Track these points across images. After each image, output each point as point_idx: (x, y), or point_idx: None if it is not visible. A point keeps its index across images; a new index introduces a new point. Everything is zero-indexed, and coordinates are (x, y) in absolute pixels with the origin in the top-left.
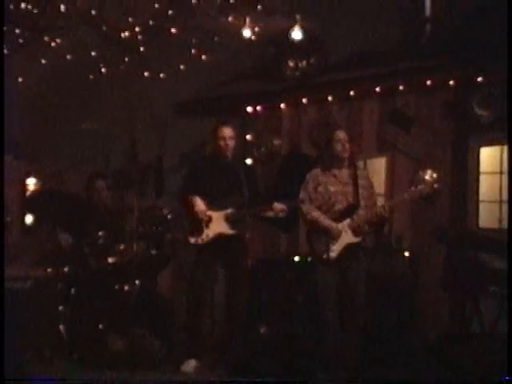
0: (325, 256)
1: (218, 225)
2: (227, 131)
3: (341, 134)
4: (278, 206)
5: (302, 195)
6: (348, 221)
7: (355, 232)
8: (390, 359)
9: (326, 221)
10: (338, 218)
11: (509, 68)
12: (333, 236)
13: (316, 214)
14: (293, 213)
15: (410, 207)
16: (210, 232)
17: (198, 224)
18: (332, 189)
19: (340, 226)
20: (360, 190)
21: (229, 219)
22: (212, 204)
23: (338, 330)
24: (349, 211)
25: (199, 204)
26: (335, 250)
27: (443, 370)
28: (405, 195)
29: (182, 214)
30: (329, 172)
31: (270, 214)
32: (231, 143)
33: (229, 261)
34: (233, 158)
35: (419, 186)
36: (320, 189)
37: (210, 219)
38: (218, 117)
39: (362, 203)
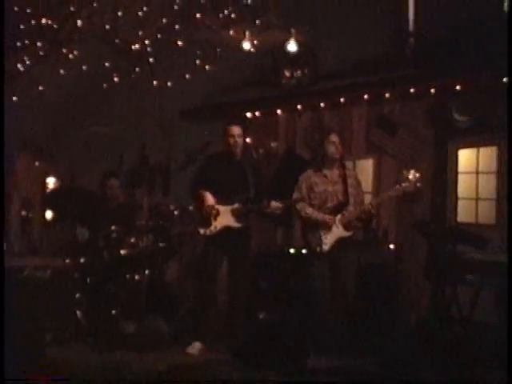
0: (318, 249)
1: (225, 218)
2: (236, 129)
3: (334, 137)
4: (274, 204)
5: (295, 195)
6: (339, 217)
7: (346, 227)
8: (376, 340)
9: (319, 215)
10: (330, 214)
11: (509, 69)
12: (327, 228)
13: (309, 210)
14: (287, 210)
15: (395, 204)
16: (218, 224)
17: (207, 217)
18: (323, 188)
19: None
20: (349, 189)
21: (235, 213)
22: (221, 199)
23: (330, 315)
24: (339, 208)
25: (209, 198)
26: (328, 243)
27: (424, 349)
28: (390, 192)
29: (187, 209)
30: (320, 172)
31: (268, 210)
32: (240, 140)
33: (233, 252)
34: (241, 156)
35: (403, 184)
36: (313, 188)
37: (218, 213)
38: (224, 120)
39: (351, 200)
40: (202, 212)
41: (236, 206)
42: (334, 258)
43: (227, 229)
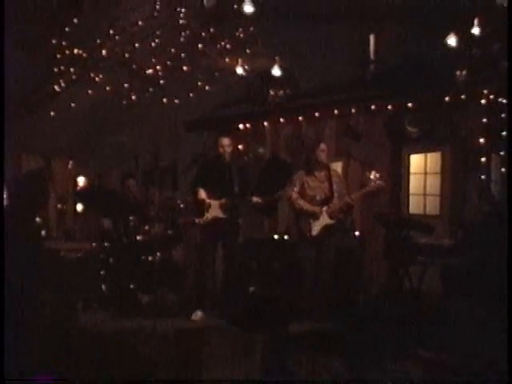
0: (308, 234)
1: (214, 210)
2: (226, 140)
3: (323, 146)
4: (255, 198)
5: (291, 190)
6: (325, 208)
7: (330, 216)
8: (345, 308)
9: (310, 207)
10: (318, 206)
11: (509, 70)
12: (315, 217)
13: (302, 202)
14: (273, 203)
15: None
16: (209, 215)
17: (201, 209)
18: (313, 185)
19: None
20: (334, 186)
21: (223, 206)
22: (212, 194)
23: (313, 288)
24: (326, 201)
25: (202, 194)
26: (316, 229)
27: (382, 313)
28: (367, 188)
29: (191, 203)
30: (311, 173)
31: (250, 204)
32: (228, 150)
33: (223, 237)
34: (230, 161)
35: (377, 182)
36: (305, 185)
37: (209, 206)
38: (219, 131)
39: (336, 195)
40: (198, 205)
41: (223, 200)
42: (320, 241)
43: (216, 219)
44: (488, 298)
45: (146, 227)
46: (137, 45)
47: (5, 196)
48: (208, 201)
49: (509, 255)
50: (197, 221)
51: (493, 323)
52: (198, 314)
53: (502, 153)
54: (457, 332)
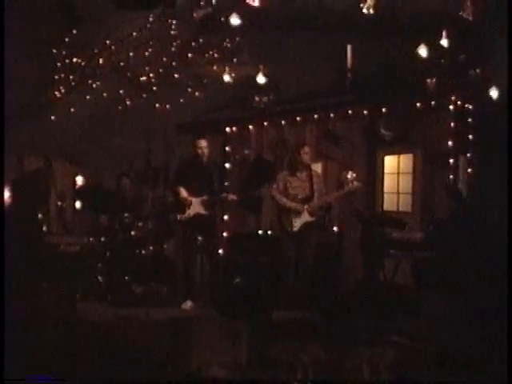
0: (289, 230)
1: (195, 207)
2: (202, 142)
3: (307, 148)
4: (230, 196)
5: (274, 189)
6: (306, 206)
7: (311, 214)
8: (324, 297)
9: (292, 204)
10: (299, 204)
11: (509, 71)
12: (296, 214)
13: (284, 200)
14: (258, 201)
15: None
16: (191, 212)
17: (182, 206)
18: (295, 185)
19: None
20: (314, 186)
21: (203, 203)
22: (192, 192)
23: (293, 279)
24: (307, 199)
25: (183, 192)
26: (297, 226)
27: (358, 302)
28: (345, 189)
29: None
30: (293, 173)
31: (228, 200)
32: (205, 151)
33: (204, 232)
34: (208, 161)
35: (355, 183)
36: (287, 185)
37: (190, 203)
38: (208, 134)
39: (316, 194)
40: (179, 203)
41: (204, 197)
42: (301, 236)
43: (197, 215)
44: (454, 288)
45: (140, 223)
46: (131, 54)
47: (9, 194)
48: (189, 198)
49: (509, 252)
50: (179, 218)
51: (458, 308)
52: (188, 304)
53: (468, 155)
54: (426, 317)
